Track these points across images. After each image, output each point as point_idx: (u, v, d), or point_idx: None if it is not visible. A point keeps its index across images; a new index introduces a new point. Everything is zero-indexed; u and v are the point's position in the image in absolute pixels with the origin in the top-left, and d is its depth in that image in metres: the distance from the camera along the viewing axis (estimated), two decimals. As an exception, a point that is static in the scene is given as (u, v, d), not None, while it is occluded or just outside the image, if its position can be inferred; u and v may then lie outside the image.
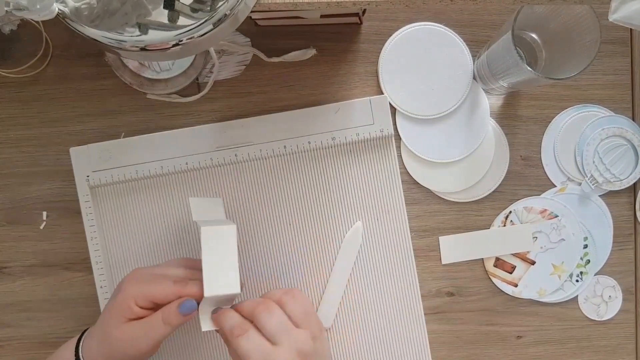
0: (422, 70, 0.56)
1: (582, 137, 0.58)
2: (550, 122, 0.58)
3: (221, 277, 0.43)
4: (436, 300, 0.58)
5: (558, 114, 0.58)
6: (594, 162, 0.57)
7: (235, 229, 0.44)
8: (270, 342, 0.40)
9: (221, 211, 0.48)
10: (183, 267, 0.46)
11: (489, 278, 0.58)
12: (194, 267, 0.46)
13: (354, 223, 0.56)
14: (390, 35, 0.56)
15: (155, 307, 0.44)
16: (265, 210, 0.55)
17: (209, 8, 0.34)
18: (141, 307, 0.43)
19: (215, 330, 0.43)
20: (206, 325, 0.43)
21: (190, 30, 0.34)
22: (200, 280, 0.43)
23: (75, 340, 0.46)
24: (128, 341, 0.42)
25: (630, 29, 0.58)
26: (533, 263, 0.58)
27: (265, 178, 0.55)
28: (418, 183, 0.57)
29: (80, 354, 0.44)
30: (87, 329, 0.46)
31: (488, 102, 0.57)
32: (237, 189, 0.55)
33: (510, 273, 0.58)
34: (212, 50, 0.55)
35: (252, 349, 0.40)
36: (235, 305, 0.44)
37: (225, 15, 0.34)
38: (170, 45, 0.34)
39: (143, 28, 0.34)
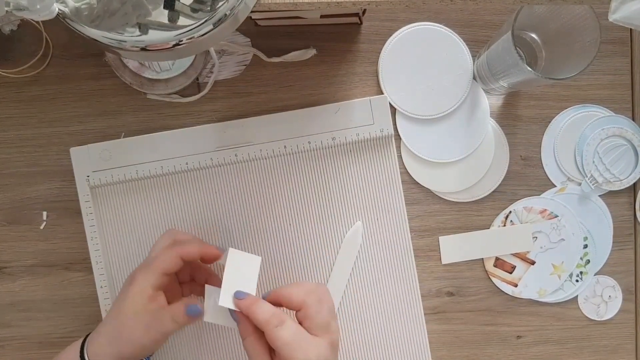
0: (422, 70, 0.56)
1: (582, 137, 0.58)
2: (550, 122, 0.58)
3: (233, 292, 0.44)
4: (436, 300, 0.58)
5: (558, 114, 0.58)
6: (593, 162, 0.57)
7: (259, 261, 0.46)
8: (310, 333, 0.42)
9: (256, 271, 0.47)
10: (171, 236, 0.49)
11: (489, 278, 0.58)
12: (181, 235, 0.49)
13: (354, 223, 0.56)
14: (390, 35, 0.56)
15: (171, 286, 0.46)
16: (266, 210, 0.55)
17: (209, 8, 0.34)
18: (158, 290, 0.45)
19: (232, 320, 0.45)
20: (208, 316, 0.46)
21: (191, 30, 0.34)
22: (195, 242, 0.47)
23: (79, 342, 0.46)
24: (143, 329, 0.44)
25: (630, 29, 0.58)
26: (533, 263, 0.58)
27: (265, 178, 0.55)
28: (418, 183, 0.57)
29: (86, 354, 0.44)
30: (90, 333, 0.46)
31: (488, 102, 0.57)
32: (237, 189, 0.55)
33: (510, 273, 0.58)
34: (212, 50, 0.55)
35: (292, 339, 0.41)
36: (280, 290, 0.45)
37: (226, 15, 0.34)
38: (171, 46, 0.34)
39: (143, 28, 0.34)
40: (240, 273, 0.45)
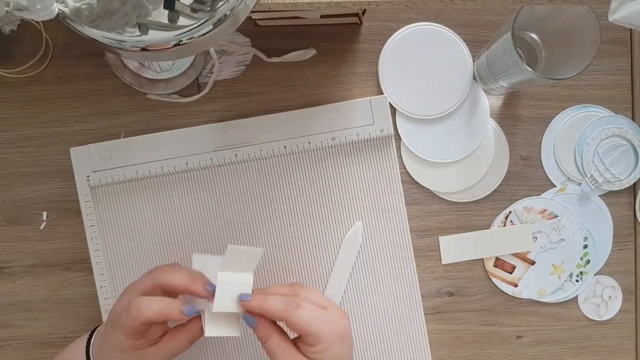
0: (422, 70, 0.56)
1: (582, 137, 0.58)
2: (550, 122, 0.58)
3: (233, 296, 0.42)
4: (436, 300, 0.58)
5: (558, 114, 0.58)
6: (593, 162, 0.57)
7: (261, 253, 0.44)
8: (321, 308, 0.43)
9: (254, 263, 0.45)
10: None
11: (489, 278, 0.58)
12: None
13: (354, 223, 0.56)
14: (390, 35, 0.56)
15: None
16: (266, 211, 0.55)
17: (209, 8, 0.34)
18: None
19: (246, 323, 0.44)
20: (210, 331, 0.43)
21: (191, 30, 0.34)
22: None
23: (84, 339, 0.46)
24: None
25: (630, 29, 0.58)
26: (533, 263, 0.58)
27: (265, 178, 0.55)
28: (418, 183, 0.57)
29: (91, 354, 0.44)
30: (97, 327, 0.46)
31: (488, 102, 0.57)
32: (237, 189, 0.55)
33: (510, 273, 0.58)
34: (212, 50, 0.55)
35: (313, 316, 0.42)
36: (268, 290, 0.45)
37: (226, 15, 0.34)
38: (171, 46, 0.34)
39: (143, 28, 0.34)
40: (237, 272, 0.43)
